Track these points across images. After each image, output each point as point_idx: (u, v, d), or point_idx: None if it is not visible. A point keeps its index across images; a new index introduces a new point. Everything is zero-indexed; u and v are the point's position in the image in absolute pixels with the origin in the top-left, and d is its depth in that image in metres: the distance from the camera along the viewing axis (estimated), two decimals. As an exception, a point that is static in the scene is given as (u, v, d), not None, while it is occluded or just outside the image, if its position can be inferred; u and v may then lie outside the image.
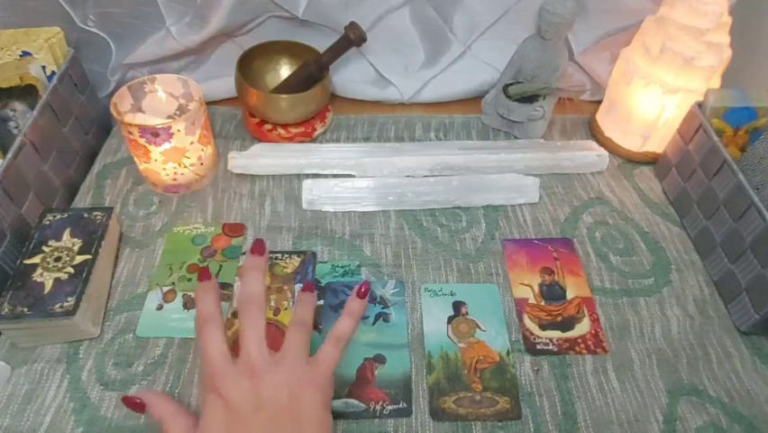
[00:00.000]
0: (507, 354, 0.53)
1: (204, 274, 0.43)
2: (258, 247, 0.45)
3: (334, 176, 0.69)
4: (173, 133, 0.59)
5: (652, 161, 0.73)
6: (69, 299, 0.49)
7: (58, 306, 0.49)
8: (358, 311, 0.45)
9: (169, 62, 0.76)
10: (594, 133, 0.76)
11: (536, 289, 0.58)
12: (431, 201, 0.66)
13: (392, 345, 0.53)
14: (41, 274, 0.51)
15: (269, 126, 0.73)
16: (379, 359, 0.52)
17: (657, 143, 0.71)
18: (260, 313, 0.42)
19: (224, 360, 0.40)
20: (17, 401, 0.48)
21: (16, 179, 0.56)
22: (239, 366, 0.40)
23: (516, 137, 0.76)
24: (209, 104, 0.75)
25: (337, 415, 0.48)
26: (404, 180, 0.69)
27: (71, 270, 0.52)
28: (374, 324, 0.54)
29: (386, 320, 0.55)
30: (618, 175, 0.72)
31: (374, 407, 0.48)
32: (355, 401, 0.49)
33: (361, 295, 0.45)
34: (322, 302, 0.56)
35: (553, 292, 0.58)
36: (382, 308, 0.56)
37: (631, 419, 0.49)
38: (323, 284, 0.58)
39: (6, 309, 0.48)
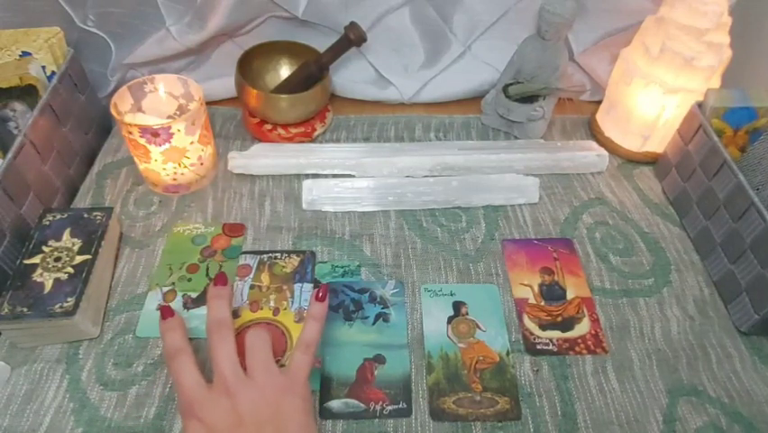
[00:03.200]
0: (507, 354, 0.53)
1: (166, 312, 0.45)
2: (220, 279, 0.47)
3: (334, 176, 0.69)
4: (173, 133, 0.59)
5: (652, 161, 0.72)
6: (69, 299, 0.49)
7: (57, 306, 0.49)
8: (321, 314, 0.47)
9: (169, 62, 0.76)
10: (594, 133, 0.76)
11: (536, 289, 0.58)
12: (431, 201, 0.66)
13: (392, 345, 0.53)
14: (41, 274, 0.51)
15: (269, 126, 0.73)
16: (379, 359, 0.52)
17: (657, 143, 0.71)
18: (229, 334, 0.43)
19: (198, 386, 0.41)
20: (17, 401, 0.48)
21: (16, 179, 0.56)
22: (214, 389, 0.41)
23: (515, 137, 0.76)
24: (209, 104, 0.75)
25: (337, 415, 0.48)
26: (404, 180, 0.69)
27: (71, 270, 0.52)
28: (374, 324, 0.54)
29: (386, 320, 0.55)
30: (618, 175, 0.72)
31: (374, 407, 0.48)
32: (355, 401, 0.49)
33: (319, 299, 0.47)
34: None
35: (552, 292, 0.58)
36: (382, 308, 0.56)
37: (631, 420, 0.49)
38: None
39: (6, 309, 0.48)
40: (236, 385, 0.40)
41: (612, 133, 0.74)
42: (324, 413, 0.48)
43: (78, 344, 0.52)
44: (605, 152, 0.72)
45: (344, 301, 0.56)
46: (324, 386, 0.50)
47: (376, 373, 0.51)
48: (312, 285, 0.57)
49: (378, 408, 0.48)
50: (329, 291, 0.56)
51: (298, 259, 0.60)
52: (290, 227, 0.63)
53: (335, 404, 0.49)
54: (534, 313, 0.56)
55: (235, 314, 0.54)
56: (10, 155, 0.55)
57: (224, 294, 0.46)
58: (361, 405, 0.49)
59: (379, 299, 0.56)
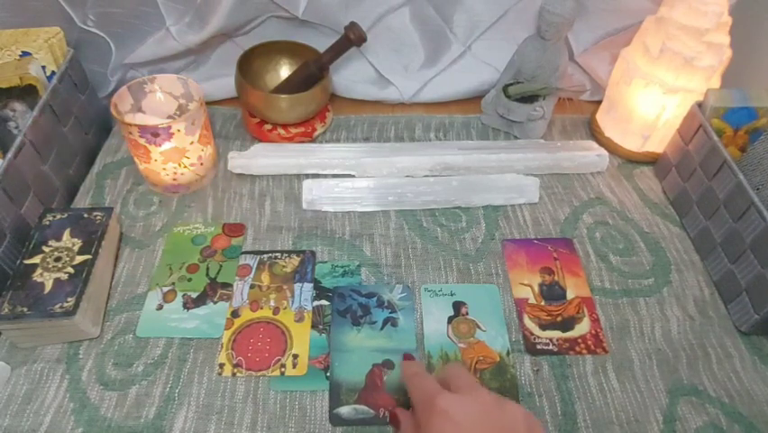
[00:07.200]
0: (507, 354, 0.53)
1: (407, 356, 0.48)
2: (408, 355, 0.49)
3: (334, 176, 0.69)
4: (173, 133, 0.59)
5: (652, 161, 0.72)
6: (69, 299, 0.49)
7: (58, 306, 0.49)
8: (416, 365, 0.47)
9: (169, 62, 0.76)
10: (594, 133, 0.76)
11: (536, 289, 0.58)
12: (431, 201, 0.66)
13: (401, 349, 0.53)
14: (41, 274, 0.51)
15: (269, 126, 0.73)
16: (388, 364, 0.51)
17: (657, 143, 0.71)
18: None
19: (440, 387, 0.40)
20: (17, 401, 0.48)
21: (16, 179, 0.56)
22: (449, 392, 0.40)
23: (515, 137, 0.76)
24: (209, 104, 0.75)
25: (347, 421, 0.48)
26: (404, 180, 0.69)
27: (71, 270, 0.52)
28: (382, 329, 0.54)
29: (394, 325, 0.54)
30: (618, 175, 0.72)
31: (384, 413, 0.48)
32: (365, 408, 0.48)
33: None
34: (327, 303, 0.56)
35: (552, 292, 0.58)
36: (390, 312, 0.55)
37: (631, 420, 0.49)
38: (323, 284, 0.58)
39: (6, 309, 0.48)
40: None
41: (612, 133, 0.74)
42: (334, 420, 0.48)
43: (78, 344, 0.52)
44: (605, 152, 0.72)
45: (352, 306, 0.56)
46: (334, 392, 0.49)
47: (385, 378, 0.50)
48: (312, 285, 0.57)
49: (387, 414, 0.48)
50: (337, 295, 0.56)
51: (298, 259, 0.60)
52: (290, 227, 0.63)
53: (345, 410, 0.48)
54: (534, 313, 0.56)
55: (236, 314, 0.54)
56: (10, 155, 0.55)
57: (418, 367, 0.46)
58: (371, 411, 0.48)
59: (386, 304, 0.56)
